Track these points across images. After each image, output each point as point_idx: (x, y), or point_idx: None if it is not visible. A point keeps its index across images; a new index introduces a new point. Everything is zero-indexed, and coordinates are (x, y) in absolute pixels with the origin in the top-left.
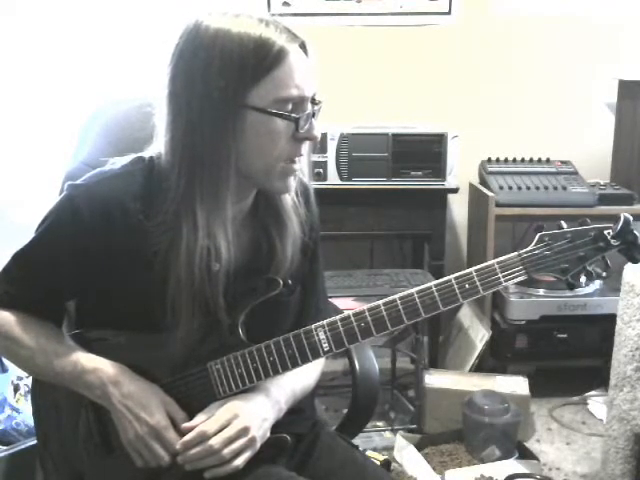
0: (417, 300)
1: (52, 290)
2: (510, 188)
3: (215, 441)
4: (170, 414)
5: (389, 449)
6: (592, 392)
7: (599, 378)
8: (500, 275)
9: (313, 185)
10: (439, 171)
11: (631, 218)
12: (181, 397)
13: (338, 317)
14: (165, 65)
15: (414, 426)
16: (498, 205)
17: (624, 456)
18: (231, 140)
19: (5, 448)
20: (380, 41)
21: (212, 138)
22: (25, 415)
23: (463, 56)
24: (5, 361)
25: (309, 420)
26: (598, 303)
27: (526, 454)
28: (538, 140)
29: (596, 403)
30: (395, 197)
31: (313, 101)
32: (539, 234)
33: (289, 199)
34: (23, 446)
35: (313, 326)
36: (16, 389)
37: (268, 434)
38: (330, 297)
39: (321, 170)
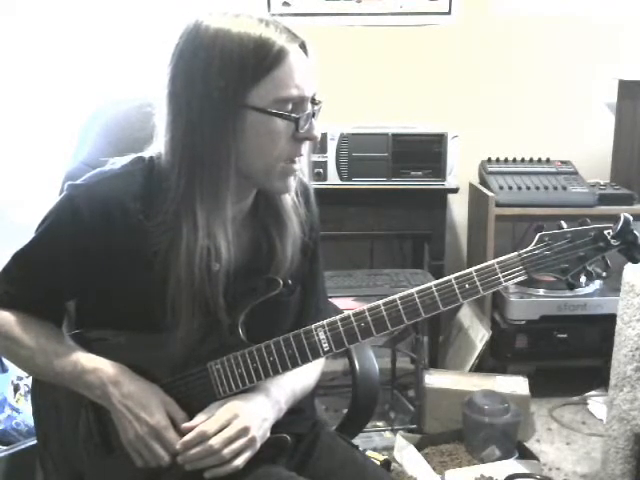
0: (417, 300)
1: (52, 290)
2: (510, 188)
3: (215, 441)
4: (170, 414)
5: (389, 449)
6: (592, 392)
7: (599, 378)
8: (500, 275)
9: (313, 185)
10: (439, 171)
11: (631, 218)
12: (181, 397)
13: (338, 317)
14: (165, 65)
15: (414, 426)
16: (498, 205)
17: (624, 456)
18: (231, 140)
19: (5, 448)
20: (380, 41)
21: (212, 138)
22: (25, 415)
23: (463, 56)
24: (5, 361)
25: (309, 420)
26: (598, 303)
27: (526, 454)
28: (538, 140)
29: (596, 403)
30: (395, 197)
31: (313, 101)
32: (539, 234)
33: (289, 199)
34: (23, 446)
35: (313, 326)
36: (16, 389)
37: (268, 434)
38: (330, 297)
39: (321, 170)
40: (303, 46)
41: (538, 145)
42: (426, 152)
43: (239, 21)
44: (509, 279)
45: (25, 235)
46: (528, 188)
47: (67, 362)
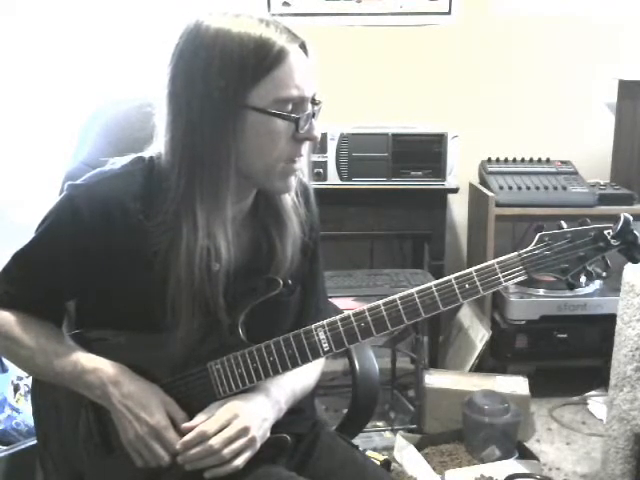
0: (417, 300)
1: (52, 290)
2: (510, 188)
3: (215, 441)
4: (170, 414)
5: (389, 449)
6: (592, 392)
7: (599, 378)
8: (500, 275)
9: (313, 185)
10: (439, 171)
11: (631, 218)
12: (181, 397)
13: (338, 317)
14: (165, 65)
15: (414, 426)
16: (498, 205)
17: (624, 456)
18: (231, 140)
19: (5, 448)
20: (380, 41)
21: (212, 138)
22: (25, 415)
23: (463, 56)
24: (5, 361)
25: (309, 420)
26: (598, 303)
27: (526, 454)
28: (538, 140)
29: (596, 403)
30: (395, 197)
31: (313, 101)
32: (539, 234)
33: (289, 199)
34: (23, 446)
35: (313, 326)
36: (16, 389)
37: (268, 434)
38: (330, 297)
39: (321, 170)
40: (303, 46)
41: (538, 145)
42: (426, 152)
43: (239, 21)
44: (509, 279)
45: (25, 235)
46: (528, 188)
47: (67, 362)
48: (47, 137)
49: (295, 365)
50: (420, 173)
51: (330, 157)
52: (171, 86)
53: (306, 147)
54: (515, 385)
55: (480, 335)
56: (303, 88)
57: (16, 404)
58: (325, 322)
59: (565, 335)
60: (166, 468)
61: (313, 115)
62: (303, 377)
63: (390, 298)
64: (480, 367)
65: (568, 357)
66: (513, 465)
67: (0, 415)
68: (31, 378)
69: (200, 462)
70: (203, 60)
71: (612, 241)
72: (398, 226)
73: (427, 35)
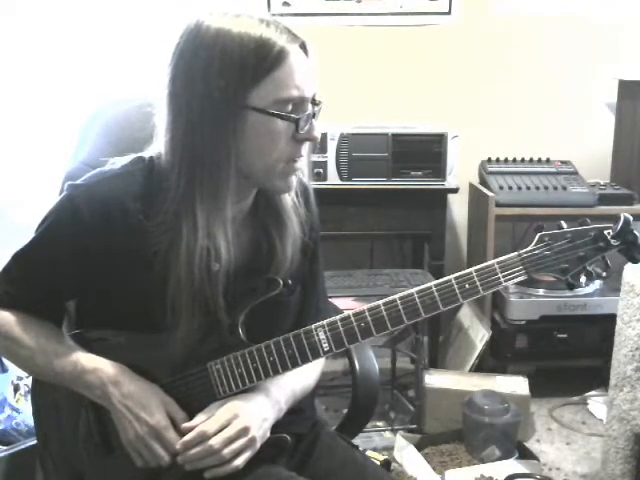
0: (417, 300)
1: (52, 290)
2: (510, 188)
3: (215, 441)
4: (170, 414)
5: (389, 449)
6: (592, 392)
7: (599, 378)
8: (500, 275)
9: (313, 185)
10: (439, 171)
11: (631, 218)
12: (181, 397)
13: (338, 317)
14: (165, 65)
15: (414, 426)
16: (498, 205)
17: (624, 456)
18: (231, 140)
19: (5, 448)
20: (380, 41)
21: (212, 138)
22: (25, 415)
23: (463, 56)
24: (5, 361)
25: (309, 420)
26: (598, 303)
27: (526, 454)
28: (538, 140)
29: (596, 403)
30: (395, 197)
31: (313, 102)
32: (539, 234)
33: (289, 199)
34: (23, 446)
35: (313, 326)
36: (16, 389)
37: (268, 434)
38: (330, 297)
39: (321, 170)
40: (303, 46)
41: (538, 145)
42: (426, 152)
43: (240, 21)
44: (509, 279)
45: (25, 235)
46: (528, 188)
47: (67, 362)
48: (47, 137)
49: (295, 365)
50: (420, 173)
51: (330, 157)
52: (171, 86)
53: (306, 147)
54: (515, 385)
55: (480, 335)
56: (303, 88)
57: (16, 404)
58: (325, 322)
59: (565, 335)
60: (166, 468)
61: (313, 115)
62: (303, 377)
63: (390, 298)
64: (480, 367)
65: (568, 357)
66: (513, 465)
67: (0, 415)
68: (31, 378)
69: (200, 462)
70: (203, 60)
71: (612, 241)
72: (398, 226)
73: (427, 35)
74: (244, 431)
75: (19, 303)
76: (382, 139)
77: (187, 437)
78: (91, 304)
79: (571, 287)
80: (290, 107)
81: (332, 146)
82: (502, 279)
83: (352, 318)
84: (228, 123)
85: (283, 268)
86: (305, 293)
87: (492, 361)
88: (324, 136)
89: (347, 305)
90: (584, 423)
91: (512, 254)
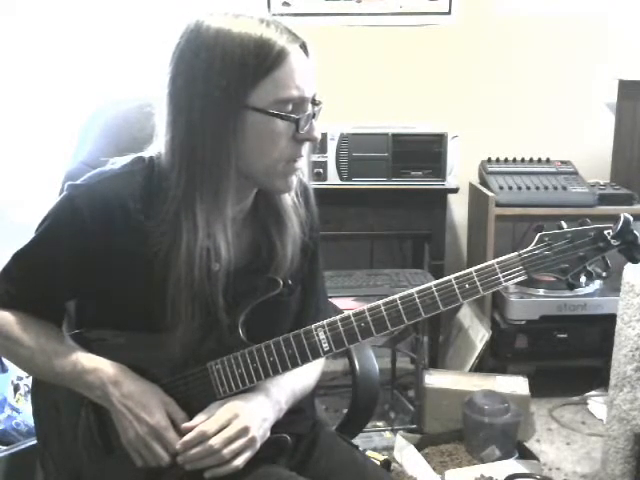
0: (417, 300)
1: (52, 290)
2: (510, 188)
3: (215, 441)
4: (170, 414)
5: (389, 449)
6: (592, 392)
7: (599, 378)
8: (500, 275)
9: (313, 185)
10: (439, 171)
11: (631, 218)
12: (181, 397)
13: (338, 317)
14: (165, 65)
15: (414, 426)
16: (498, 205)
17: (624, 456)
18: (231, 140)
19: (5, 448)
20: (380, 41)
21: (212, 138)
22: (25, 415)
23: (463, 56)
24: (5, 361)
25: (309, 420)
26: (598, 303)
27: (526, 454)
28: (538, 140)
29: (596, 403)
30: (395, 197)
31: (313, 102)
32: (539, 234)
33: (289, 199)
34: (23, 446)
35: (313, 326)
36: (16, 389)
37: (268, 434)
38: (330, 297)
39: (321, 170)
40: (304, 47)
41: (538, 145)
42: (426, 152)
43: (240, 21)
44: (509, 279)
45: (25, 235)
46: (528, 188)
47: (67, 362)
48: (47, 137)
49: (295, 365)
50: (420, 173)
51: (330, 157)
52: (171, 86)
53: (306, 147)
54: (515, 385)
55: (480, 335)
56: (303, 88)
57: (16, 404)
58: (325, 322)
59: (565, 335)
60: (166, 468)
61: (313, 115)
62: (303, 377)
63: (390, 298)
64: (480, 367)
65: (568, 357)
66: (513, 465)
67: (0, 415)
68: (31, 378)
69: (200, 462)
70: (204, 61)
71: (612, 241)
72: (398, 226)
73: (427, 35)
74: (244, 431)
75: (19, 303)
76: (382, 139)
77: (187, 437)
78: (91, 304)
79: (571, 287)
80: (290, 107)
81: (332, 146)
82: (502, 279)
83: (352, 318)
84: (228, 123)
85: (283, 268)
86: (305, 293)
87: (492, 361)
88: (324, 136)
89: (347, 305)
90: (584, 423)
91: (512, 254)
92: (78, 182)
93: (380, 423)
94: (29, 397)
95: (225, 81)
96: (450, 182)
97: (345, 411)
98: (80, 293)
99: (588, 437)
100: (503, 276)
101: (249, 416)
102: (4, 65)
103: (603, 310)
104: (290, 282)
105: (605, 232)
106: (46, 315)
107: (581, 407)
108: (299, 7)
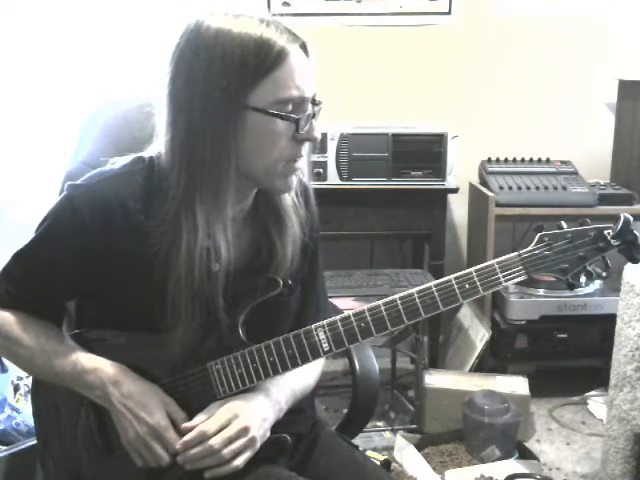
0: (417, 300)
1: (52, 290)
2: (510, 188)
3: (215, 441)
4: (170, 414)
5: (389, 449)
6: (592, 392)
7: (599, 378)
8: (500, 275)
9: (313, 185)
10: (439, 171)
11: (631, 218)
12: (181, 397)
13: (338, 317)
14: (165, 65)
15: (414, 426)
16: (498, 205)
17: (624, 456)
18: (231, 140)
19: (5, 448)
20: (380, 41)
21: (212, 138)
22: (25, 415)
23: (463, 56)
24: (5, 361)
25: (309, 420)
26: (598, 303)
27: (526, 454)
28: (538, 140)
29: (596, 403)
30: (395, 197)
31: (313, 102)
32: (539, 234)
33: (289, 199)
34: (23, 446)
35: (313, 326)
36: (16, 389)
37: (268, 434)
38: (330, 297)
39: (321, 170)
40: (304, 47)
41: (538, 145)
42: (426, 152)
43: (240, 21)
44: (509, 279)
45: (25, 235)
46: (528, 188)
47: (67, 362)
48: (47, 137)
49: (295, 365)
50: (420, 173)
51: (330, 157)
52: (171, 86)
53: (306, 147)
54: (515, 385)
55: (480, 335)
56: (303, 88)
57: (16, 404)
58: (325, 322)
59: (565, 335)
60: (166, 468)
61: (313, 116)
62: (303, 377)
63: (390, 298)
64: (480, 367)
65: (568, 357)
66: (513, 465)
67: (0, 415)
68: (31, 378)
69: (200, 462)
70: (204, 60)
71: (612, 241)
72: (398, 226)
73: (427, 35)
74: (244, 431)
75: (19, 303)
76: (382, 139)
77: (187, 437)
78: (91, 304)
79: (571, 287)
80: (290, 107)
81: (332, 146)
82: (502, 279)
83: (352, 318)
84: (228, 123)
85: (283, 268)
86: (305, 293)
87: (492, 361)
88: (324, 136)
89: (347, 305)
90: (584, 423)
91: (512, 254)
92: (78, 182)
93: (380, 423)
94: (29, 397)
95: (225, 81)
96: (450, 182)
97: (345, 411)
98: (80, 293)
99: (588, 437)
100: (503, 276)
101: (249, 416)
102: (4, 65)
103: (603, 310)
104: (290, 282)
105: (605, 232)
106: (46, 315)
107: (581, 407)
108: (299, 7)
